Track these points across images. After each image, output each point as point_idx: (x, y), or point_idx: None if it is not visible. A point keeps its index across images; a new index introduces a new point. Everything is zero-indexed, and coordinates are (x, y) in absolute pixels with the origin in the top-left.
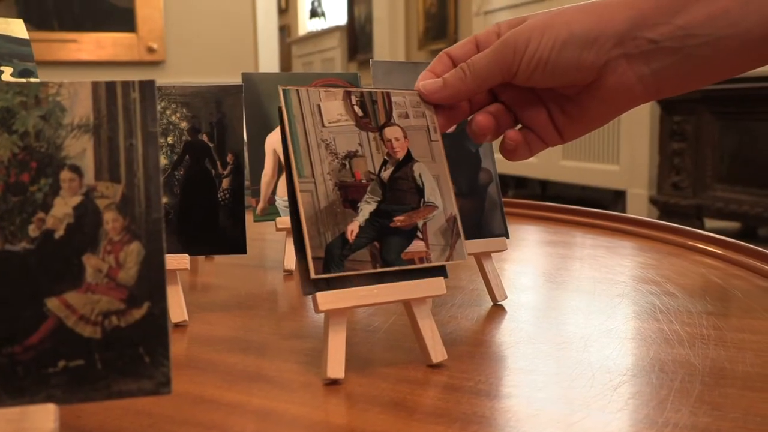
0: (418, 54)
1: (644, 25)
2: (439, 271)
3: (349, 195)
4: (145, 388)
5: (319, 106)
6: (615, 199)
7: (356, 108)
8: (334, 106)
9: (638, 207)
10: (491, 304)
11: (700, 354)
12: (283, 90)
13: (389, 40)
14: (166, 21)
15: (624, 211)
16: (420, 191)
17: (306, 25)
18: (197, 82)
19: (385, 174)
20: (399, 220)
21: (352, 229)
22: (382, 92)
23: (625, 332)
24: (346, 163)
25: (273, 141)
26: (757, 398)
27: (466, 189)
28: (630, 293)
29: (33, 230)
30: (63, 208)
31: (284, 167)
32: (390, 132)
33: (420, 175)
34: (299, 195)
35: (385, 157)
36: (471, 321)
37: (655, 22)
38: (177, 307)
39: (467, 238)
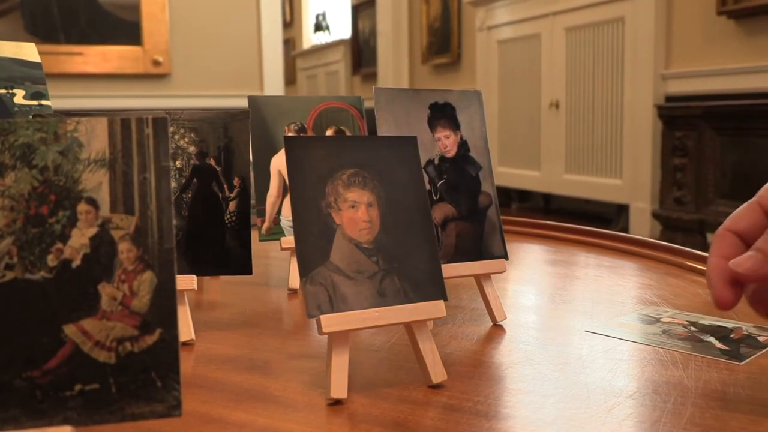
0: (422, 68)
1: None
2: (440, 294)
3: None
4: (157, 411)
5: None
6: (618, 212)
7: None
8: None
9: (641, 221)
10: (491, 324)
11: (694, 376)
12: None
13: (393, 54)
14: (172, 34)
15: (627, 225)
16: None
17: (310, 38)
18: (203, 94)
19: None
20: None
21: None
22: None
23: (621, 353)
24: None
25: (278, 162)
26: (746, 420)
27: (467, 212)
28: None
29: (51, 260)
30: (80, 238)
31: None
32: None
33: None
34: None
35: None
36: (471, 341)
37: None
38: (184, 327)
39: (468, 260)
